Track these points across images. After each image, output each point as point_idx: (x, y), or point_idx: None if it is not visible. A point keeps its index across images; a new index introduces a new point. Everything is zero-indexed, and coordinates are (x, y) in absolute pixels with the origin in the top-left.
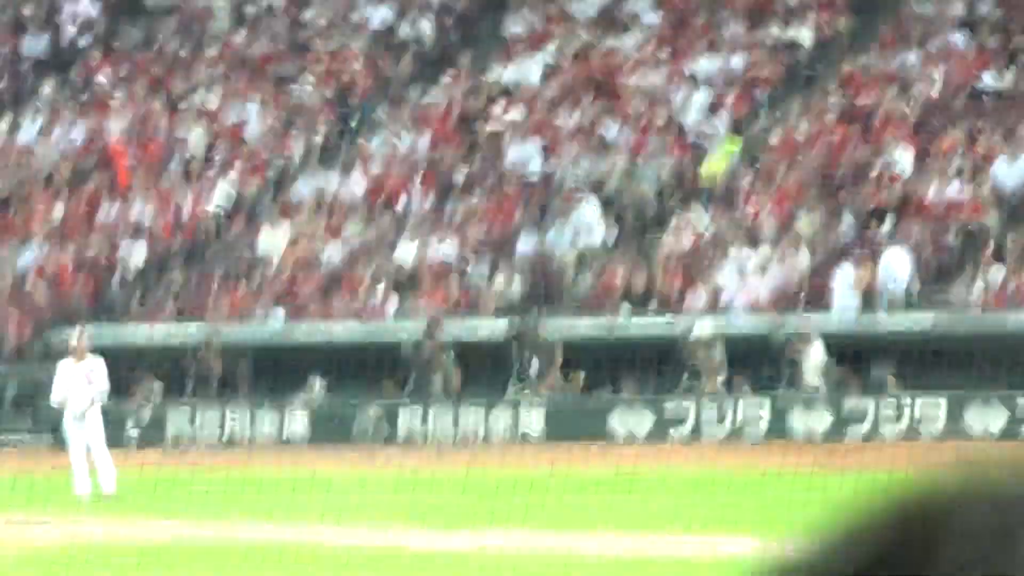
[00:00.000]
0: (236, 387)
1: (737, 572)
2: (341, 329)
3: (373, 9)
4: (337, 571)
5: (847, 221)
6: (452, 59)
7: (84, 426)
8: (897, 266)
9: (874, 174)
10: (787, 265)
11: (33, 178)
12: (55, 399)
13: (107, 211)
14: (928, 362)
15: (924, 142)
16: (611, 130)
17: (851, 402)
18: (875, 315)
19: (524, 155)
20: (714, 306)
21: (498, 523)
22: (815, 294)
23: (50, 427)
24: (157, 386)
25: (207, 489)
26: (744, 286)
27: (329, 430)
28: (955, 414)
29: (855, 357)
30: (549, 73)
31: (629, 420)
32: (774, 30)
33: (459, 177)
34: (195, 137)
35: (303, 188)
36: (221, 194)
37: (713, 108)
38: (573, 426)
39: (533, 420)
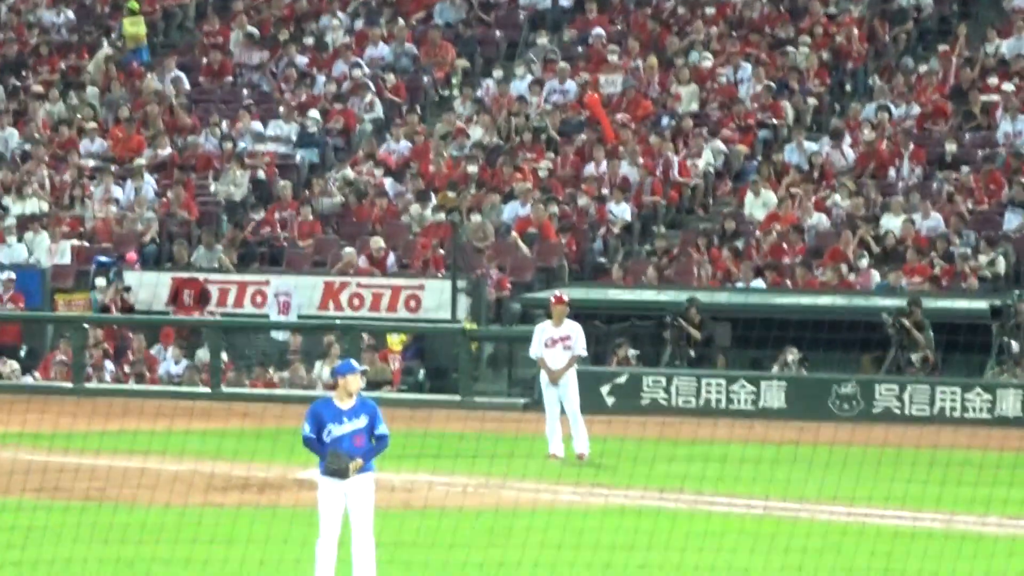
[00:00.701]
0: (713, 354)
1: None
2: (822, 300)
3: None
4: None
5: None
6: (950, 30)
7: (560, 389)
8: None
9: None
10: None
11: (523, 131)
12: (533, 353)
13: (595, 168)
14: None
15: None
16: None
17: None
18: None
19: (1016, 129)
20: None
21: (963, 505)
22: None
23: (526, 388)
24: (634, 351)
25: (680, 457)
26: None
27: (805, 402)
28: None
29: None
30: None
31: None
32: None
33: (950, 149)
34: (687, 96)
35: (792, 153)
36: (710, 155)
37: None
38: None
39: (1010, 402)
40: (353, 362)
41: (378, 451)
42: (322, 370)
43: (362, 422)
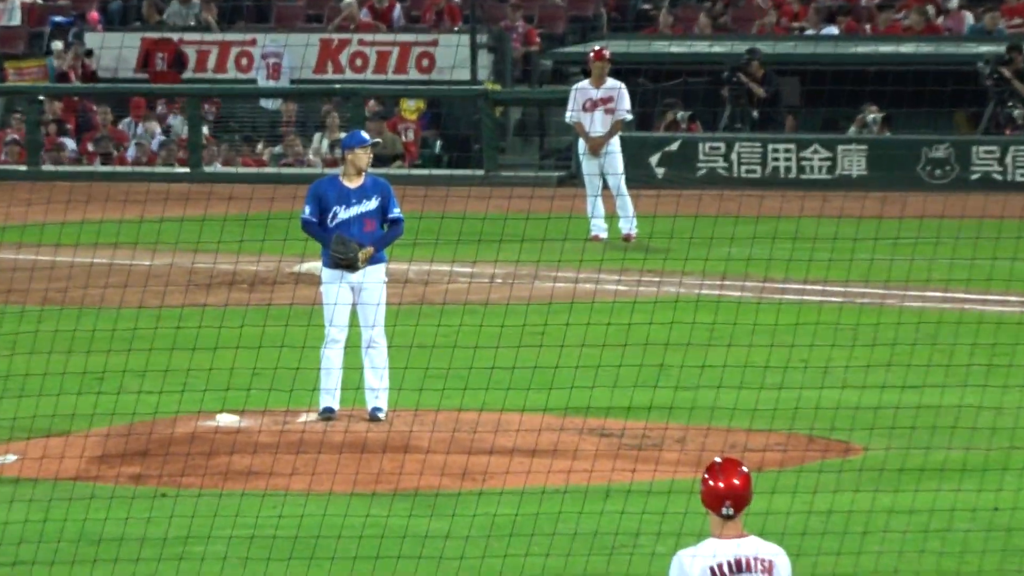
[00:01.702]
0: (780, 114)
1: None
2: (906, 48)
3: None
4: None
5: None
6: None
7: (601, 160)
8: None
9: None
10: None
11: None
12: (569, 118)
13: None
14: None
15: None
16: None
17: None
18: None
19: None
20: None
21: None
22: None
23: (561, 159)
24: (686, 113)
25: (744, 237)
26: None
27: (889, 169)
28: None
29: None
30: None
31: None
32: None
33: None
34: None
35: None
36: None
37: None
38: None
39: None
40: (363, 133)
41: (391, 238)
42: (321, 144)
43: (372, 204)
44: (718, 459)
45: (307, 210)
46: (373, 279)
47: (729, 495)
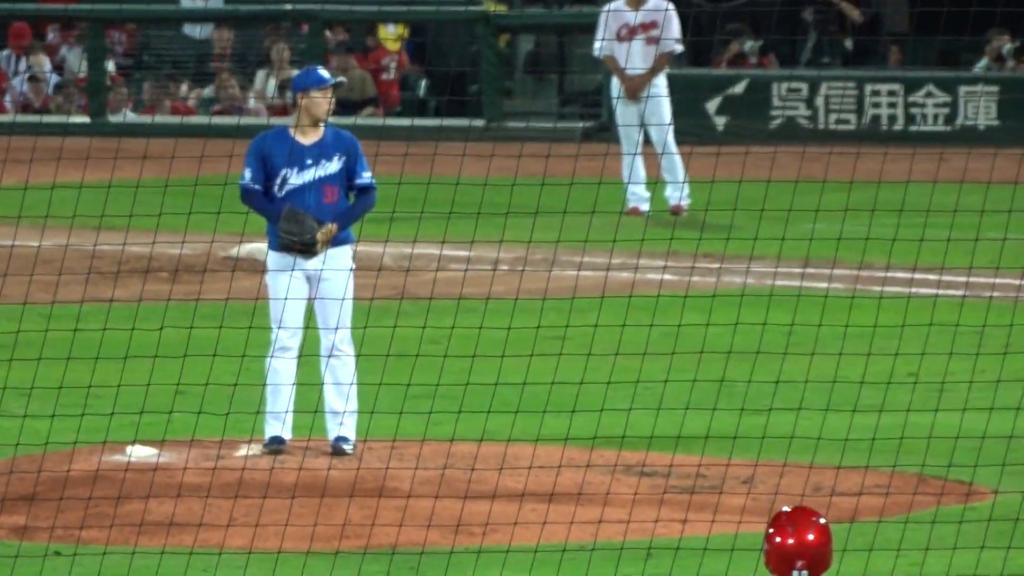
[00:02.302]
0: (882, 45)
1: None
2: None
3: None
4: None
5: None
6: None
7: (642, 106)
8: None
9: None
10: None
11: None
12: (598, 50)
13: None
14: None
15: None
16: None
17: None
18: None
19: None
20: None
21: None
22: None
23: (587, 105)
24: (756, 43)
25: (833, 208)
26: None
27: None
28: None
29: None
30: None
31: None
32: None
33: None
34: None
35: None
36: None
37: None
38: None
39: None
40: (321, 71)
41: (360, 212)
42: (265, 85)
43: (335, 166)
44: (787, 508)
45: (247, 174)
46: (336, 266)
47: (800, 554)
